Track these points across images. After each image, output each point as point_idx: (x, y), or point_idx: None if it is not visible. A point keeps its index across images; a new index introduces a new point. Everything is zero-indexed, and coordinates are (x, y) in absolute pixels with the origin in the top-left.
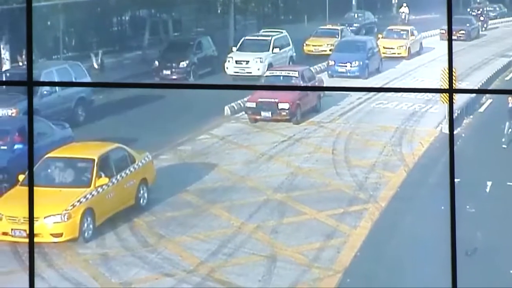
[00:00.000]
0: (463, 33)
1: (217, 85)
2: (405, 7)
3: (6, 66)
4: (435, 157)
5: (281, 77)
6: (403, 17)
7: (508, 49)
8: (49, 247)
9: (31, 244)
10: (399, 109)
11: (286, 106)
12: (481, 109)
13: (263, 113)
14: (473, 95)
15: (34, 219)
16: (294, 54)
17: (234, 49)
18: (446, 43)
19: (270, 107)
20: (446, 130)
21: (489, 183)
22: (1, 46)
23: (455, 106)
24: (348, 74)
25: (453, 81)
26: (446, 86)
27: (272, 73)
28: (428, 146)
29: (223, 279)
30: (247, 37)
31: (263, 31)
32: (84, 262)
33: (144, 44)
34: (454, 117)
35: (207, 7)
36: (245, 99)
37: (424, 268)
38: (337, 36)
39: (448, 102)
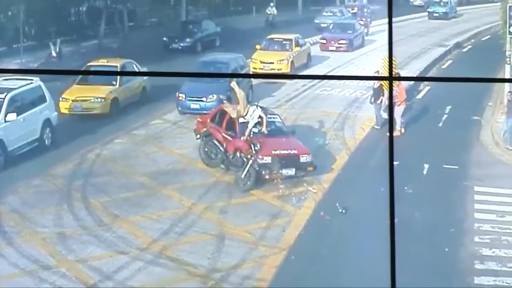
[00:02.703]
0: (343, 43)
1: (226, 74)
2: (272, 7)
3: None
4: (375, 141)
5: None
6: (270, 19)
7: (445, 39)
8: (9, 226)
9: None
10: (342, 95)
11: (309, 158)
12: (419, 96)
13: (284, 171)
14: (412, 82)
15: None
16: (55, 113)
17: None
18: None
19: (292, 162)
20: (386, 115)
21: (426, 166)
22: None
23: (394, 93)
24: (204, 112)
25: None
26: (386, 74)
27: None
28: (369, 130)
29: (175, 257)
30: None
31: (2, 79)
32: (42, 241)
33: (100, 34)
34: (393, 103)
35: None
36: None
37: (364, 246)
38: (114, 83)
39: (388, 89)
